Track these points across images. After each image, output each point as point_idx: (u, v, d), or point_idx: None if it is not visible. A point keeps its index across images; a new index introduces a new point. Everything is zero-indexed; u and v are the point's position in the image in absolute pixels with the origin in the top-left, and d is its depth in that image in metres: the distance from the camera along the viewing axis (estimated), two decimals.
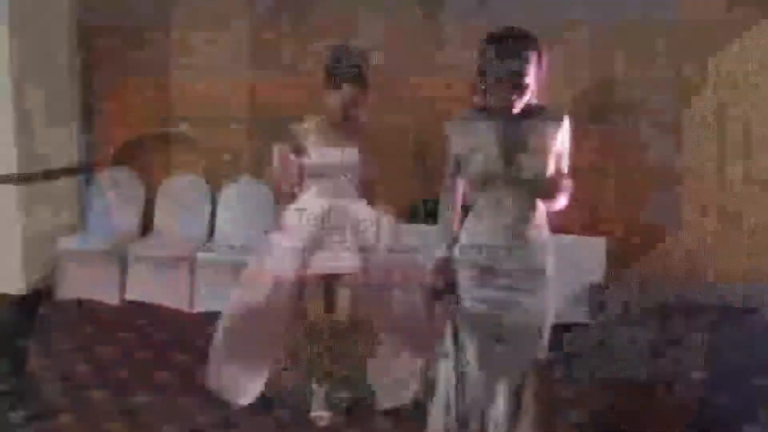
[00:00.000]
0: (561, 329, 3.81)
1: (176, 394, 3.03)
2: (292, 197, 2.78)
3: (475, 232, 2.04)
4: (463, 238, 2.08)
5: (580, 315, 3.87)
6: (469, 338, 2.04)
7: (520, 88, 1.91)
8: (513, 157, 1.96)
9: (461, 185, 2.13)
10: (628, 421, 2.71)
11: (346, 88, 2.63)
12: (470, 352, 2.04)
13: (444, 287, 2.09)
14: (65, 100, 4.35)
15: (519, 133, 1.97)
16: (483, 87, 1.97)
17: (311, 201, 2.73)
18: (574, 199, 4.03)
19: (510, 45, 1.91)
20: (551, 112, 2.03)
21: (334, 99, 2.67)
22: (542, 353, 2.10)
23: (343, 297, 2.70)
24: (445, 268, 2.09)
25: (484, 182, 2.00)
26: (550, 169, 2.00)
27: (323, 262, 2.68)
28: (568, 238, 3.84)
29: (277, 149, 2.77)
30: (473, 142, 2.00)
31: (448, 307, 2.09)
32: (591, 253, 3.83)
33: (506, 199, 1.99)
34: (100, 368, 3.27)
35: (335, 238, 2.69)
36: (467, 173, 2.05)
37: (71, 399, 2.94)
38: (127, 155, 4.49)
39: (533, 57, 1.91)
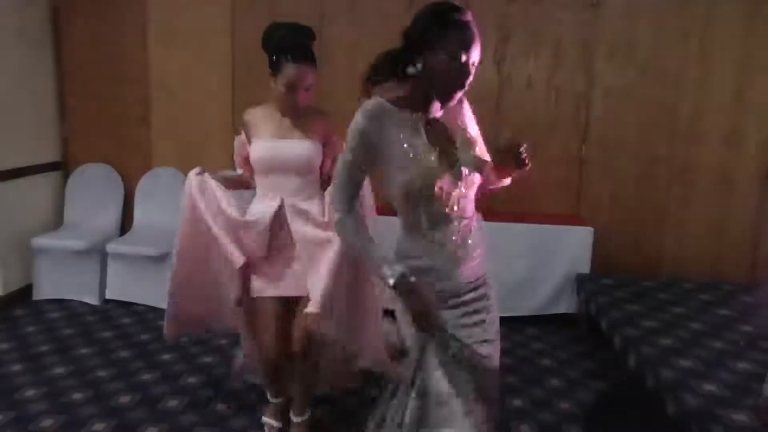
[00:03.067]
0: (549, 319, 3.87)
1: (161, 394, 2.96)
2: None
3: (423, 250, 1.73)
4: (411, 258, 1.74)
5: (566, 305, 3.87)
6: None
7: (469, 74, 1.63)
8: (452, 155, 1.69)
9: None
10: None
11: (290, 68, 2.26)
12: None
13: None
14: (41, 94, 4.24)
15: (443, 126, 1.73)
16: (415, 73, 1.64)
17: (258, 202, 2.43)
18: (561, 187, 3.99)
19: (471, 28, 1.59)
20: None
21: (278, 83, 2.30)
22: None
23: (297, 323, 2.39)
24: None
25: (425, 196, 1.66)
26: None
27: (266, 285, 2.41)
28: (554, 228, 3.84)
29: (237, 140, 2.55)
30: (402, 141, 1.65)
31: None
32: (577, 243, 3.81)
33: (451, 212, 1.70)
34: (80, 370, 3.19)
35: (284, 253, 2.41)
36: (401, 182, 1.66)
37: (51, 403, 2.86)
38: (106, 151, 4.38)
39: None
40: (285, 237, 2.40)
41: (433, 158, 1.65)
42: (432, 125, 1.71)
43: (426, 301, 1.67)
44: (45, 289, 4.15)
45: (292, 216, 2.37)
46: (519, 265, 3.81)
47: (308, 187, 2.42)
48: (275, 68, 2.29)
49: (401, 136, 1.64)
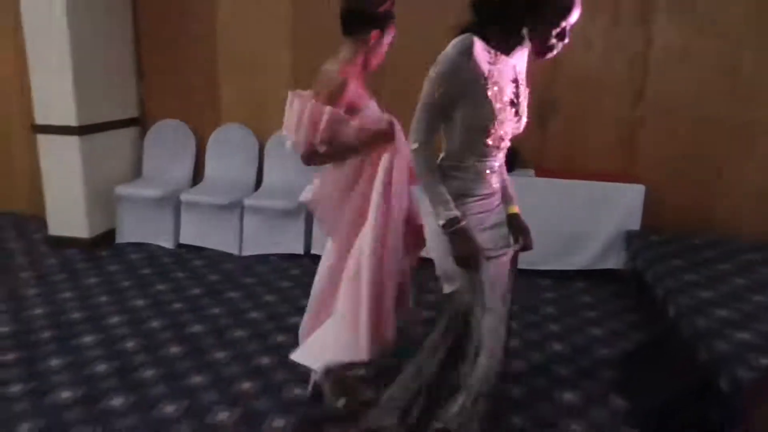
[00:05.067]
0: (597, 274, 3.95)
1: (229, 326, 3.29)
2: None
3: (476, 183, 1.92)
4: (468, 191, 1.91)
5: (615, 261, 3.94)
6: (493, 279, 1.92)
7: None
8: (518, 101, 1.88)
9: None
10: None
11: (393, 28, 2.24)
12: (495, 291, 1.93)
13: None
14: (121, 55, 4.58)
15: (515, 71, 1.89)
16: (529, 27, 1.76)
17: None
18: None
19: None
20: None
21: (383, 41, 2.25)
22: None
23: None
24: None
25: (493, 132, 1.84)
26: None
27: None
28: (605, 185, 3.89)
29: (328, 112, 2.17)
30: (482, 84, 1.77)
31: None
32: (629, 200, 3.85)
33: (502, 149, 1.93)
34: (157, 303, 3.56)
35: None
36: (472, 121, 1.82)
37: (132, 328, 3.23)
38: (179, 108, 4.71)
39: None
40: None
41: (505, 98, 1.82)
42: (507, 67, 1.85)
43: (470, 245, 1.84)
44: (126, 234, 4.56)
45: None
46: (571, 220, 3.87)
47: None
48: (384, 27, 2.23)
49: (485, 73, 1.77)
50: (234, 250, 4.36)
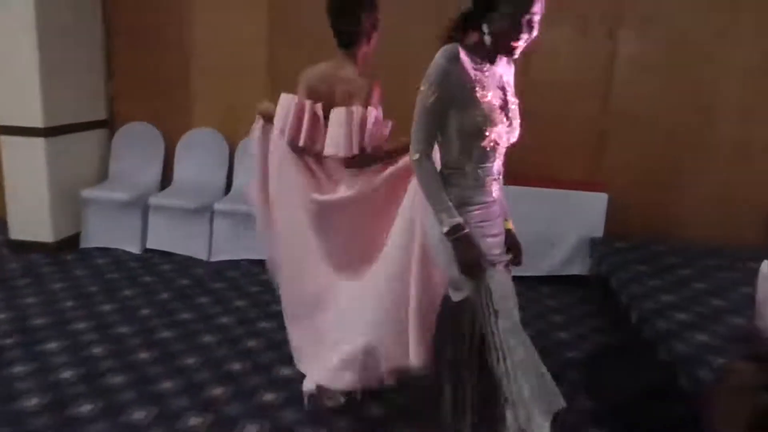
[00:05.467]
0: (563, 280, 4.05)
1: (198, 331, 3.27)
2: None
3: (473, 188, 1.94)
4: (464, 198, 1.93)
5: (580, 267, 4.04)
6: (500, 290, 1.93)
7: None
8: (507, 106, 1.92)
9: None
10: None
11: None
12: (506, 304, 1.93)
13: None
14: (90, 55, 4.51)
15: (501, 79, 1.93)
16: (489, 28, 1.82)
17: None
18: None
19: None
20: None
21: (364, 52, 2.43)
22: None
23: None
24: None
25: (485, 137, 1.87)
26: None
27: None
28: (570, 193, 3.99)
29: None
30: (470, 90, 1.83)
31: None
32: (592, 208, 3.96)
33: (500, 155, 1.96)
34: (126, 308, 3.51)
35: None
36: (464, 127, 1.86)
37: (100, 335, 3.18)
38: (148, 110, 4.66)
39: None
40: None
41: (495, 103, 1.86)
42: (494, 75, 1.90)
43: (474, 252, 1.87)
44: (92, 238, 4.48)
45: None
46: (537, 227, 3.94)
47: None
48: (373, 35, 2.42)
49: (472, 78, 1.83)
50: (203, 255, 4.32)
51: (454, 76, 1.81)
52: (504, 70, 1.96)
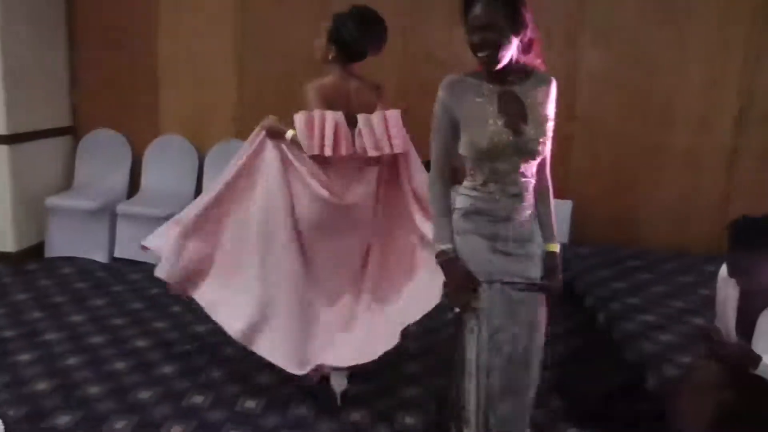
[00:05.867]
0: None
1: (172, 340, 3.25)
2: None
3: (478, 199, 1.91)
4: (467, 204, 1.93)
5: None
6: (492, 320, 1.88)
7: (490, 46, 1.78)
8: (518, 125, 1.85)
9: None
10: None
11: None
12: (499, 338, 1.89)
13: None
14: (54, 61, 4.44)
15: (517, 99, 1.87)
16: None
17: None
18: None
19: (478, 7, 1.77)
20: (540, 74, 1.92)
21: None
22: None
23: None
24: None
25: (490, 155, 1.84)
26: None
27: None
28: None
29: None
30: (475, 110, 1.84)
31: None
32: (557, 215, 4.08)
33: (513, 172, 1.86)
34: (96, 318, 3.46)
35: None
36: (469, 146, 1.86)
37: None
38: (114, 117, 4.60)
39: (507, 8, 1.77)
40: None
41: (500, 123, 1.84)
42: (505, 96, 1.87)
43: (459, 281, 1.91)
44: (56, 247, 4.38)
45: None
46: None
47: None
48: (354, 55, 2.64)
49: (475, 100, 1.86)
50: None
51: (452, 101, 1.88)
52: (529, 88, 1.90)
